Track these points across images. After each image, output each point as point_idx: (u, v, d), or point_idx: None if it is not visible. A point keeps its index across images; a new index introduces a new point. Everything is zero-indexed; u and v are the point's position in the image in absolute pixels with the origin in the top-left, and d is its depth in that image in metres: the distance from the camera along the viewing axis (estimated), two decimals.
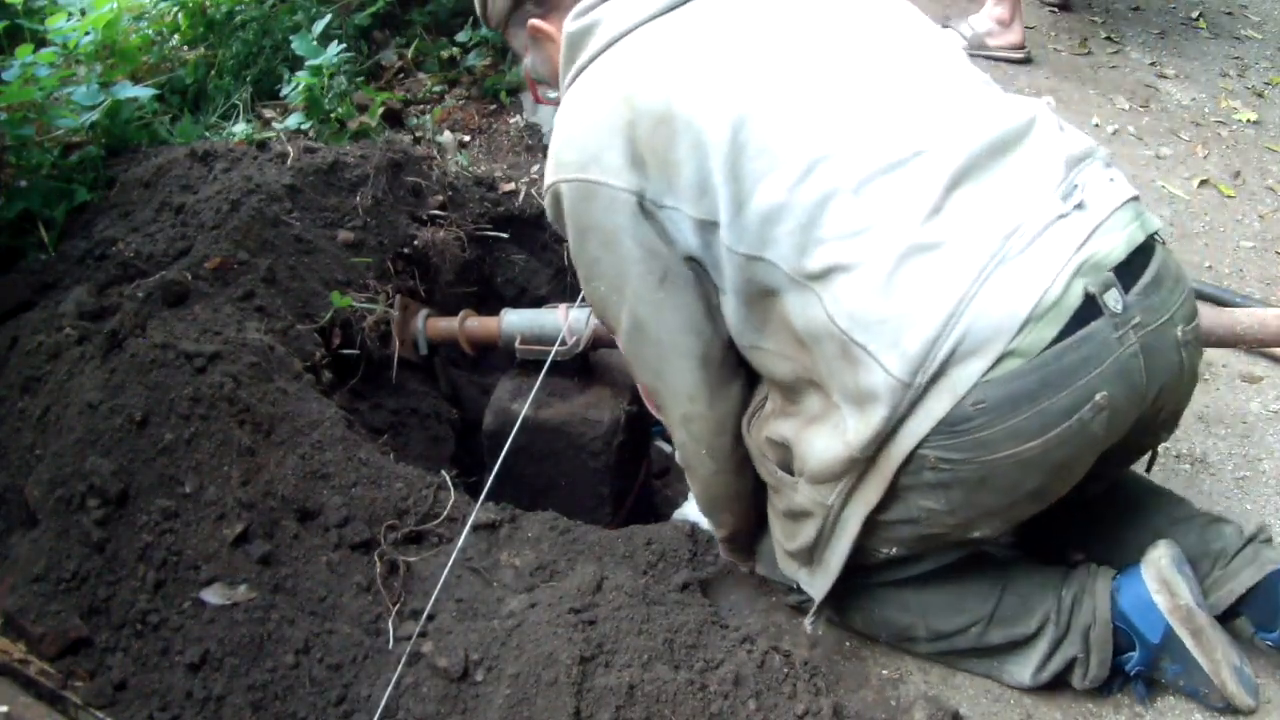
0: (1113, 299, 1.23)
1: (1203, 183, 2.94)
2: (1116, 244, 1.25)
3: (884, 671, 1.57)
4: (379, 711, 1.42)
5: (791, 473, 1.45)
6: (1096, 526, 1.60)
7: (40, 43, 2.31)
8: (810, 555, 1.48)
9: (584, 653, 1.44)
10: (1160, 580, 1.41)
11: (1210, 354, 2.33)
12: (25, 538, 1.57)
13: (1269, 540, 1.52)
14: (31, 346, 1.81)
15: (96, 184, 2.22)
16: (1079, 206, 1.25)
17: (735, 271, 1.33)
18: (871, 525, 1.38)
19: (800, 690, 1.47)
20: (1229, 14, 3.91)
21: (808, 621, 1.59)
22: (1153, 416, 1.37)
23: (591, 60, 1.40)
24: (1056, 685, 1.51)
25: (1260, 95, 3.41)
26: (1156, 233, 1.33)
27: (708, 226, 1.32)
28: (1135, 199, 1.32)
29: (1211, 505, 1.98)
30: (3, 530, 1.63)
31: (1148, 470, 1.64)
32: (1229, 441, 2.13)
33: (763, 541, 1.64)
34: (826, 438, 1.34)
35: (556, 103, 1.48)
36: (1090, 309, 1.22)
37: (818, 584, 1.49)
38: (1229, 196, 2.90)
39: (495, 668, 1.46)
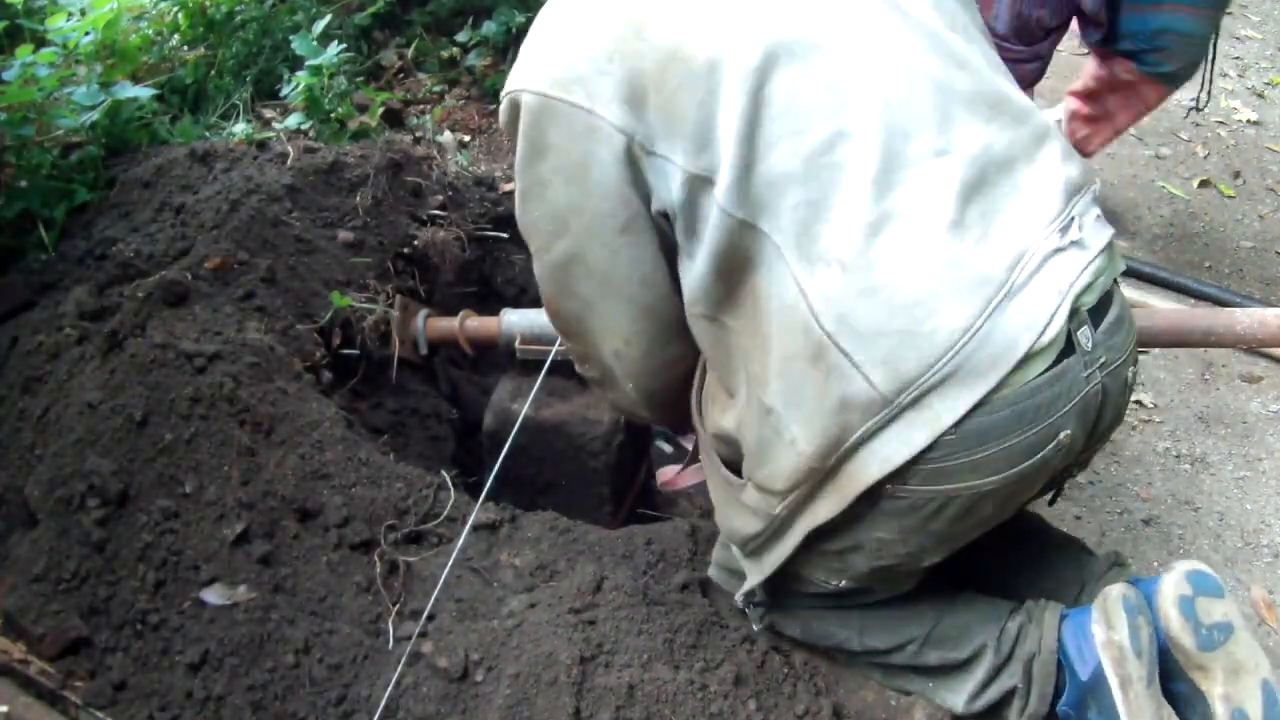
0: (1084, 336, 1.20)
1: (1203, 183, 2.94)
2: (1096, 288, 1.22)
3: None
4: (379, 711, 1.42)
5: (738, 474, 1.35)
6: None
7: (40, 43, 2.31)
8: (746, 545, 1.41)
9: (584, 653, 1.44)
10: (1102, 610, 1.30)
11: (1210, 354, 2.33)
12: (25, 538, 1.57)
13: (1125, 565, 1.50)
14: (31, 346, 1.81)
15: (96, 184, 2.22)
16: (1075, 243, 1.20)
17: (722, 235, 1.20)
18: (820, 555, 1.32)
19: (800, 690, 1.47)
20: (1229, 14, 3.90)
21: (738, 596, 1.50)
22: (1082, 455, 1.33)
23: None
24: None
25: (1260, 95, 3.41)
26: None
27: (700, 182, 1.20)
28: (1114, 240, 1.28)
29: (1211, 505, 1.98)
30: (3, 530, 1.63)
31: (1050, 503, 1.58)
32: (1229, 441, 2.13)
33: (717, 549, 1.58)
34: (773, 444, 1.23)
35: None
36: (1064, 345, 1.19)
37: (752, 572, 1.43)
38: (1229, 196, 2.90)
39: (495, 668, 1.46)
